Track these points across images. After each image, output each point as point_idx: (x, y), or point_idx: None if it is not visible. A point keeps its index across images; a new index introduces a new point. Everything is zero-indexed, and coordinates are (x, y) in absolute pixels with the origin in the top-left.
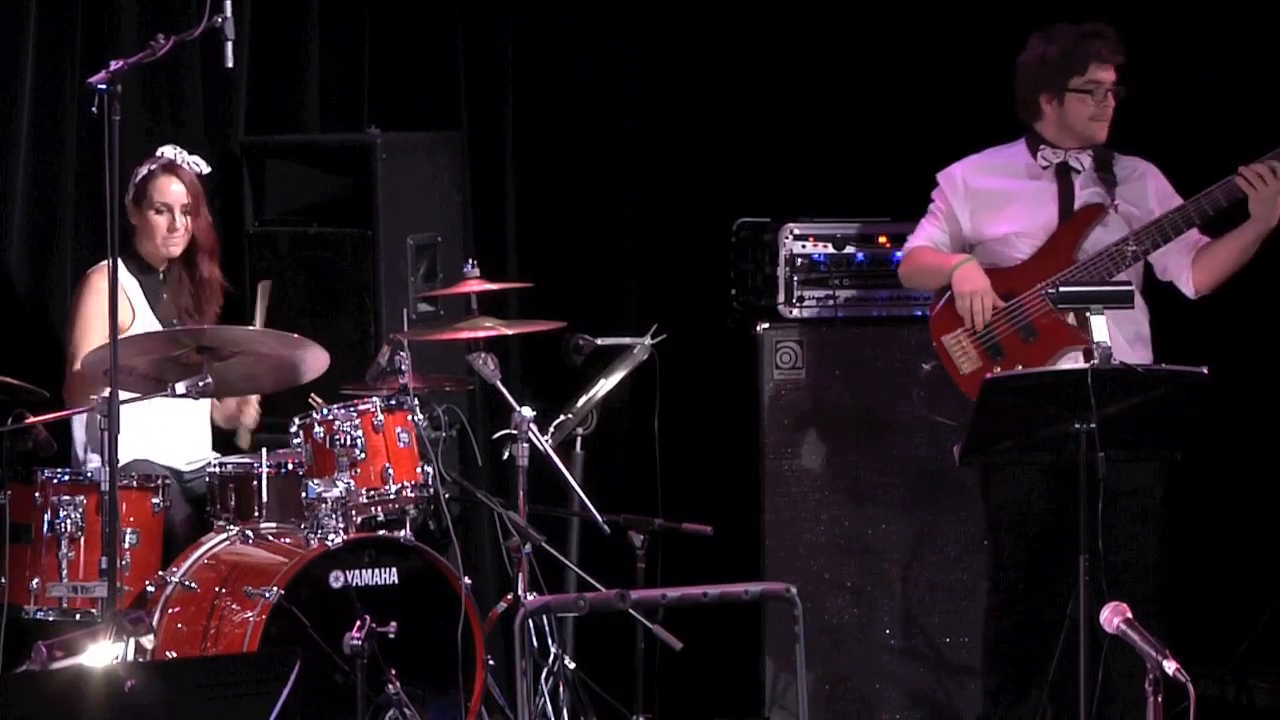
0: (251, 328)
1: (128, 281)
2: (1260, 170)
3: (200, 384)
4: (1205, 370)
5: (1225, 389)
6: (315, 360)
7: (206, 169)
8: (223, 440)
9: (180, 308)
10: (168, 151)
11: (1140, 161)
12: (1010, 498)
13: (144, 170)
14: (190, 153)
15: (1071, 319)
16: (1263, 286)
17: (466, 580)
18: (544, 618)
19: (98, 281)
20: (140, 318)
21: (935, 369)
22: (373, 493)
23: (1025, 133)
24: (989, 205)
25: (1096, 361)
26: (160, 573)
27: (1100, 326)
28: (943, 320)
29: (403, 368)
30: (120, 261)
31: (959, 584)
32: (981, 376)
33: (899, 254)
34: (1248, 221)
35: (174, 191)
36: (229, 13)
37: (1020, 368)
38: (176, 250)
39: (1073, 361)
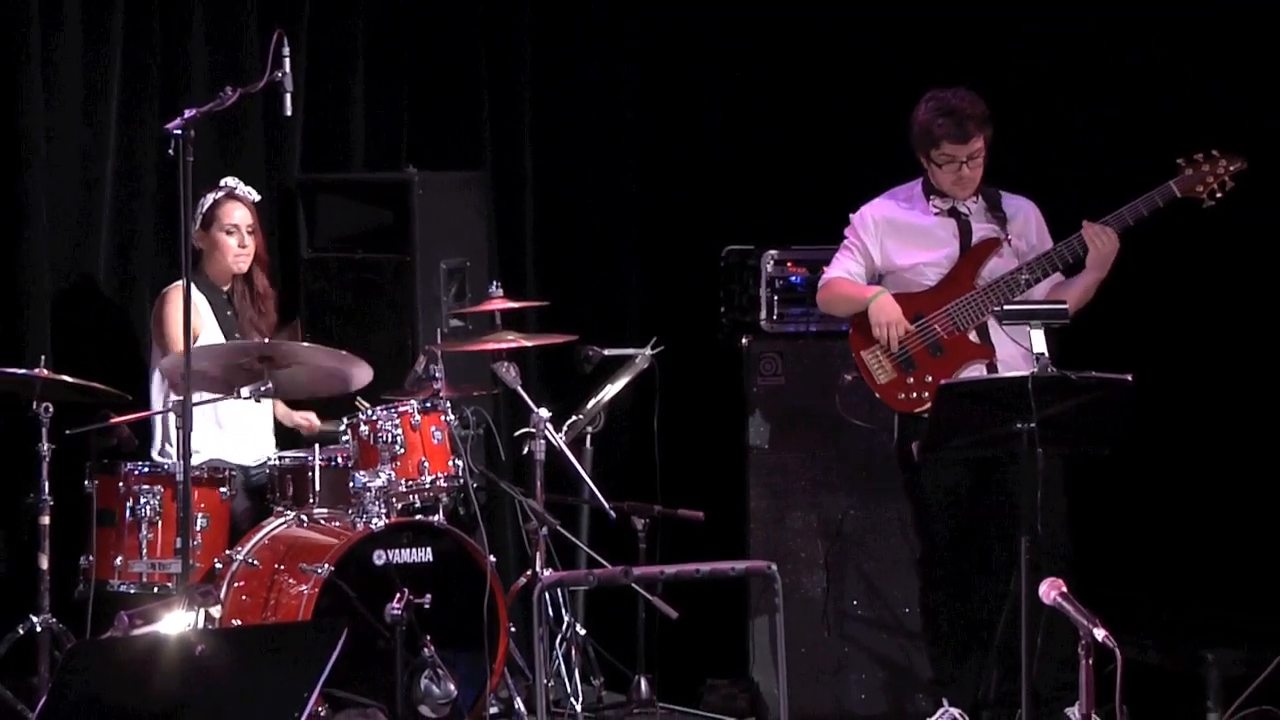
0: (307, 344)
1: (197, 298)
2: (1097, 230)
3: (262, 389)
4: (1130, 377)
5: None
6: (360, 373)
7: (257, 196)
8: (283, 437)
9: (245, 320)
10: (229, 181)
11: (1022, 200)
12: (940, 489)
13: (210, 198)
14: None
15: (974, 336)
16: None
17: (491, 559)
18: (558, 591)
19: (174, 298)
20: (208, 331)
21: (855, 379)
22: (410, 483)
23: (922, 174)
24: (899, 239)
25: (1037, 370)
26: (227, 552)
27: (1039, 339)
28: (860, 337)
29: (436, 375)
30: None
31: (916, 562)
32: (896, 385)
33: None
34: (1085, 270)
35: (239, 215)
36: (288, 68)
37: (930, 377)
38: (245, 266)
39: (975, 372)
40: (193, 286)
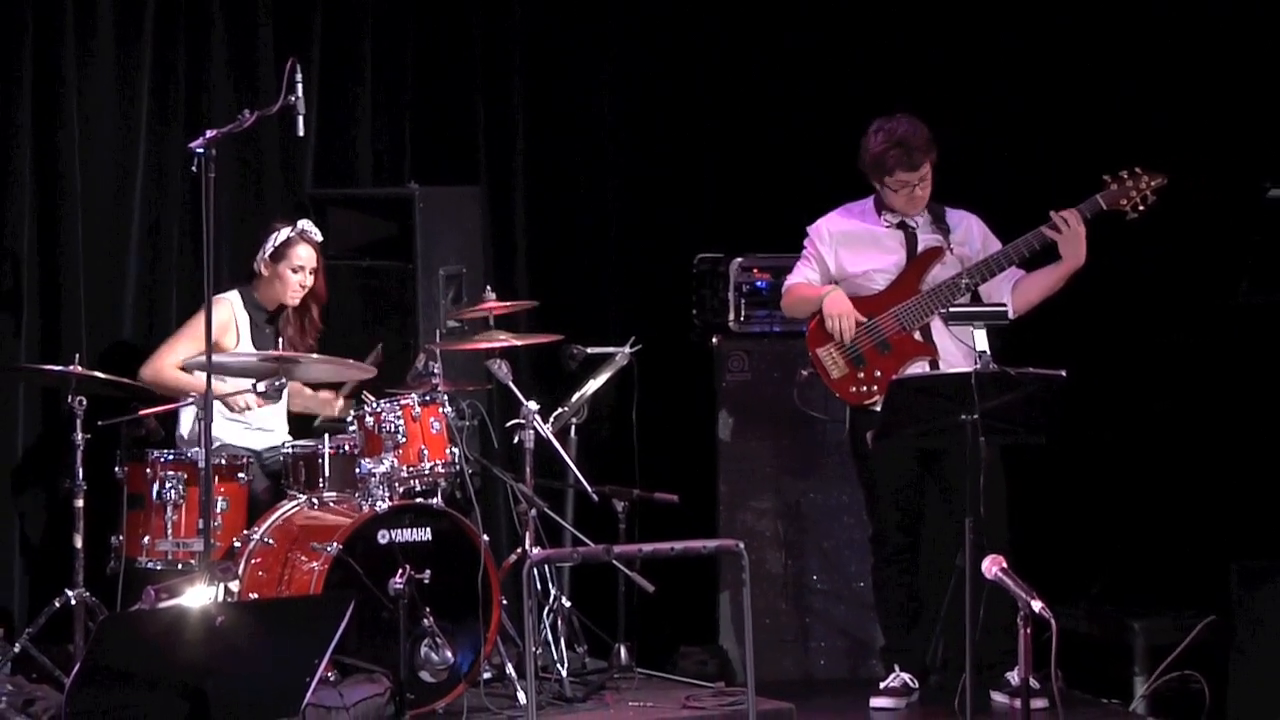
0: (315, 355)
1: (241, 314)
2: (1065, 215)
3: (276, 384)
4: (1063, 373)
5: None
6: (362, 371)
7: (320, 238)
8: (297, 426)
9: (287, 340)
10: (303, 224)
11: (965, 212)
12: (888, 475)
13: (284, 234)
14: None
15: (918, 336)
16: (1113, 306)
17: (485, 538)
18: (546, 567)
19: (216, 310)
20: (243, 345)
21: (811, 374)
22: (411, 469)
23: (874, 191)
24: (851, 249)
25: (979, 366)
26: (245, 532)
27: (981, 338)
28: (816, 337)
29: (435, 371)
30: (240, 296)
31: (868, 540)
32: (848, 380)
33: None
34: (1059, 261)
35: (306, 255)
36: (300, 93)
37: (879, 373)
38: (297, 300)
39: (919, 369)
40: (240, 301)
